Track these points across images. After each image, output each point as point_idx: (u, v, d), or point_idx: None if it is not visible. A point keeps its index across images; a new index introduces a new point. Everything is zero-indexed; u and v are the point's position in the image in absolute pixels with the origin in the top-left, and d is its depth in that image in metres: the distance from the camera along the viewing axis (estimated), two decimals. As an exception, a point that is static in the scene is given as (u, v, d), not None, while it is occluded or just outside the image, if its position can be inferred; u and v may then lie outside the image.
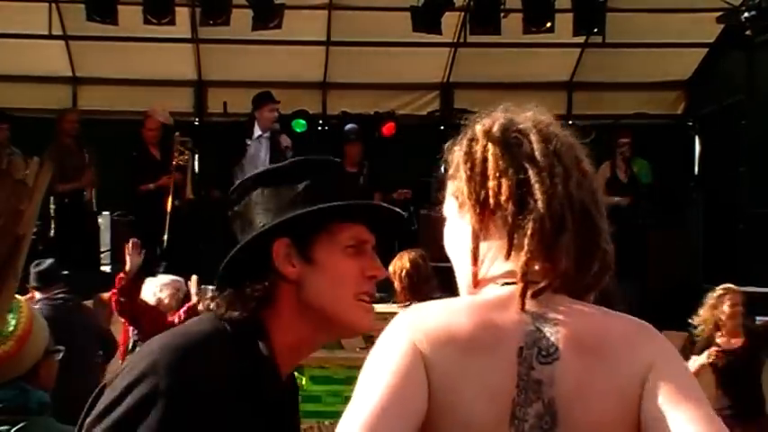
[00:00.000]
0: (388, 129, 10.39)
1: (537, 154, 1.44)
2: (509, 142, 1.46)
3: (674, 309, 5.62)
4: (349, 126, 9.95)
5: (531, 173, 1.43)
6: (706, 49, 10.60)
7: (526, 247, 1.40)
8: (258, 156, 8.91)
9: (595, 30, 9.60)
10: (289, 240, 1.69)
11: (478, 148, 1.48)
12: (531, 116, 1.51)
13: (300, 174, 1.75)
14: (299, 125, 10.25)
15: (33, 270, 5.63)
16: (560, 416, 1.36)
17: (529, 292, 1.39)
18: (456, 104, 11.01)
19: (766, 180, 9.08)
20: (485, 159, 1.46)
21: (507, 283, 1.42)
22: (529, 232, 1.40)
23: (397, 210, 1.83)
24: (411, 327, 1.38)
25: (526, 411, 1.35)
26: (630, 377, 1.38)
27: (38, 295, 5.62)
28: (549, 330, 1.38)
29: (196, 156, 9.58)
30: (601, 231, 1.45)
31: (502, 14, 9.33)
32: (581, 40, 10.18)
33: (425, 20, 9.30)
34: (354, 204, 1.73)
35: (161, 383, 1.54)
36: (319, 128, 10.64)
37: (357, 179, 1.69)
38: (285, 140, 8.90)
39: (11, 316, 2.42)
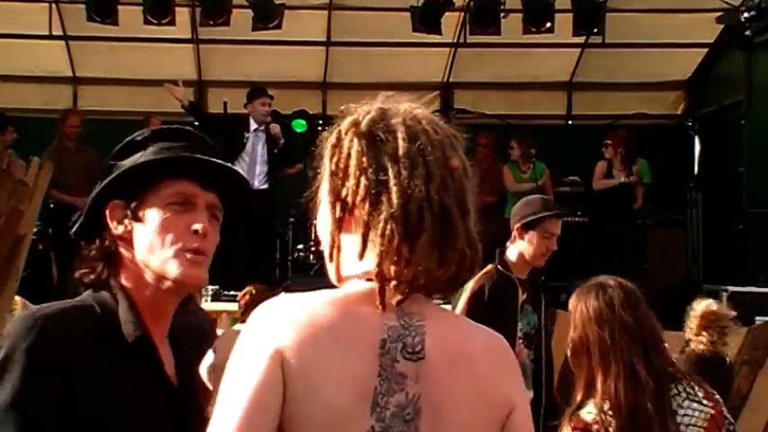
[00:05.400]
0: (388, 129, 10.39)
1: (400, 153, 1.44)
2: (374, 138, 1.47)
3: (674, 309, 5.61)
4: None
5: (390, 173, 1.43)
6: (706, 50, 10.60)
7: (378, 248, 1.41)
8: (256, 149, 8.90)
9: (595, 30, 9.58)
10: (122, 202, 1.74)
11: (345, 143, 1.49)
12: (403, 111, 1.51)
13: (144, 143, 1.80)
14: (299, 125, 10.23)
15: None
16: (425, 412, 1.39)
17: (389, 290, 1.41)
18: (456, 104, 11.00)
19: (766, 180, 9.07)
20: (348, 156, 1.47)
21: (370, 280, 1.44)
22: (379, 232, 1.41)
23: (222, 162, 1.81)
24: (270, 323, 1.40)
25: (388, 400, 1.39)
26: (496, 397, 1.45)
27: None
28: (414, 329, 1.42)
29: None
30: (459, 234, 1.45)
31: (502, 15, 9.31)
32: (581, 40, 10.17)
33: (425, 20, 9.28)
34: (166, 159, 1.75)
35: (13, 350, 1.58)
36: (319, 128, 10.62)
37: (203, 141, 1.65)
38: (275, 128, 8.89)
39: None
